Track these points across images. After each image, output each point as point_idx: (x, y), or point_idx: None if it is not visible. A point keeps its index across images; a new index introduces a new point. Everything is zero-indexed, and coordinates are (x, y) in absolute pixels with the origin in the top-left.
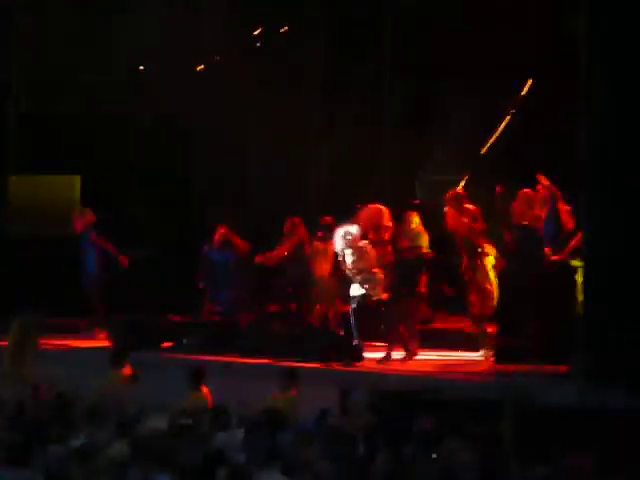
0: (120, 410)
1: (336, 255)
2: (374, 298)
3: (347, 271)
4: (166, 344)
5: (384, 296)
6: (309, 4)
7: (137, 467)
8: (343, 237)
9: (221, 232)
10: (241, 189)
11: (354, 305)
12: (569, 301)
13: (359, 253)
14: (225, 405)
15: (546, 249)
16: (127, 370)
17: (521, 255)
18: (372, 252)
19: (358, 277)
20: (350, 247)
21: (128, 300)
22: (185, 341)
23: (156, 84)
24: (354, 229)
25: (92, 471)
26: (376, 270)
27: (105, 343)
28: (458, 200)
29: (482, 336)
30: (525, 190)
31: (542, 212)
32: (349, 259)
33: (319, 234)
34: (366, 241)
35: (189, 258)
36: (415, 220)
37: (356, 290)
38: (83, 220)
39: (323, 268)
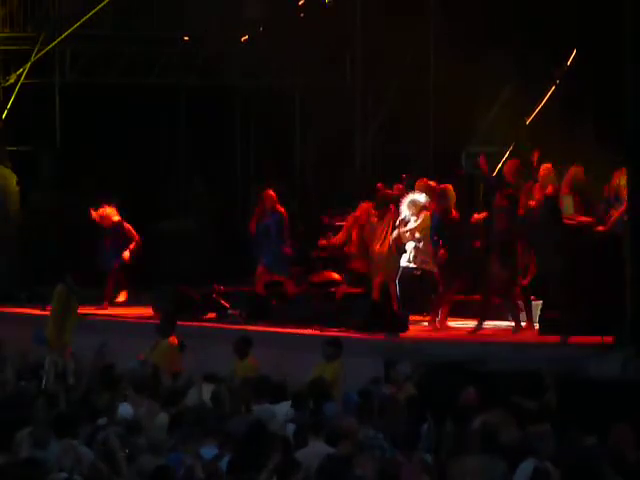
0: (168, 380)
1: (394, 227)
2: (425, 268)
3: (407, 235)
4: (211, 314)
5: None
6: None
7: (183, 438)
8: (410, 204)
9: (269, 195)
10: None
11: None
12: (615, 272)
13: (421, 221)
14: (272, 375)
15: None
16: (174, 339)
17: (563, 226)
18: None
19: (413, 243)
20: (415, 215)
21: (173, 270)
22: (230, 312)
23: (202, 56)
24: (422, 197)
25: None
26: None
27: (148, 313)
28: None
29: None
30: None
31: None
32: (412, 225)
33: (373, 211)
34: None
35: (232, 230)
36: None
37: (404, 261)
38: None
39: (382, 243)
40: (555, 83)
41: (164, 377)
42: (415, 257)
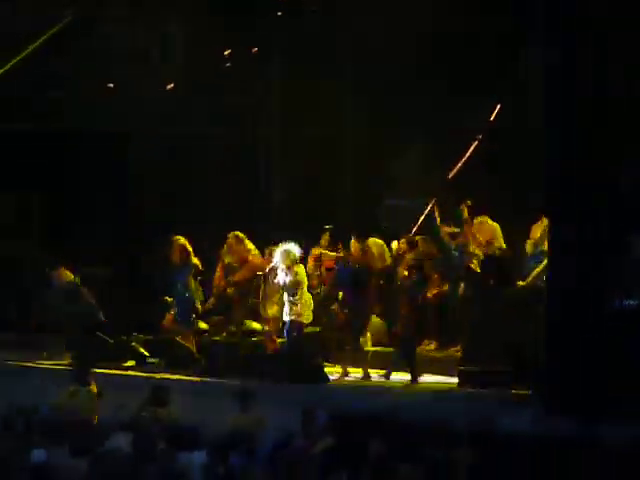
0: (83, 428)
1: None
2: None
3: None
4: (129, 362)
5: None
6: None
7: None
8: (284, 254)
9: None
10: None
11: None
12: (531, 327)
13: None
14: (187, 423)
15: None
16: (92, 387)
17: (487, 281)
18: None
19: (286, 296)
20: (286, 266)
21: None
22: (149, 359)
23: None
24: (297, 249)
25: None
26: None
27: (66, 360)
28: None
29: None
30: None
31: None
32: (284, 277)
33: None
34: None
35: (146, 276)
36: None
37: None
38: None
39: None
40: (477, 138)
41: (80, 425)
42: (291, 310)
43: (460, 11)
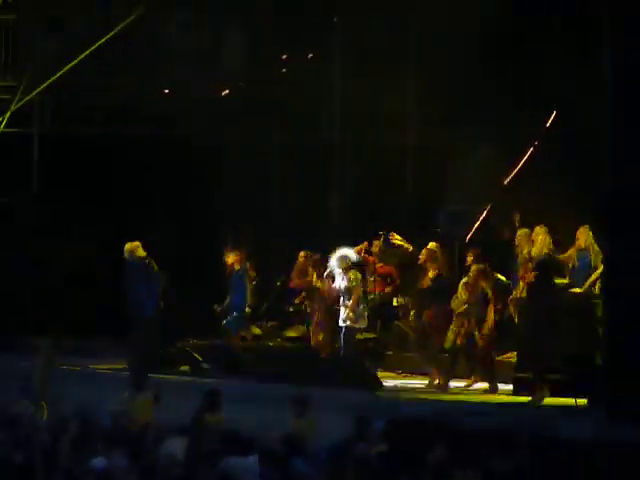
0: (140, 433)
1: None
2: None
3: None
4: (183, 367)
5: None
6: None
7: None
8: (340, 259)
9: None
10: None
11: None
12: (589, 334)
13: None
14: (241, 429)
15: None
16: (149, 392)
17: (541, 287)
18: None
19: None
20: (343, 271)
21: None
22: (204, 365)
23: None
24: (353, 255)
25: None
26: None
27: (121, 365)
28: None
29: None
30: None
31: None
32: (341, 282)
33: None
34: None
35: (205, 284)
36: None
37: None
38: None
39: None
40: (534, 145)
41: (138, 430)
42: (347, 316)
43: (525, 12)
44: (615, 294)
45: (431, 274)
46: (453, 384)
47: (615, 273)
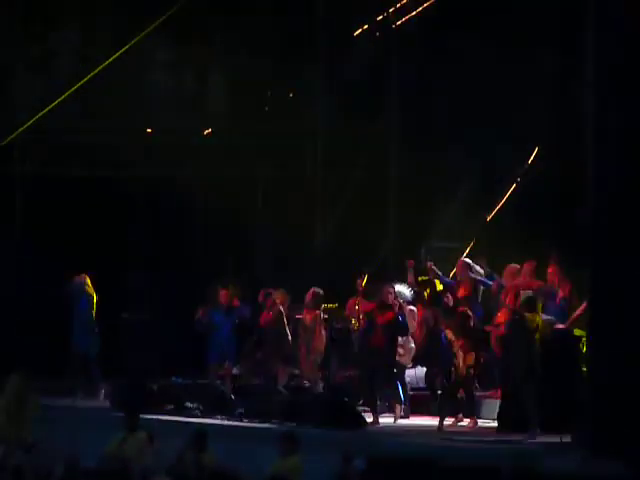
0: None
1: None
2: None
3: None
4: (168, 407)
5: None
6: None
7: None
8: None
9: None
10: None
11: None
12: (572, 370)
13: None
14: (227, 468)
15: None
16: (143, 432)
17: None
18: None
19: None
20: None
21: (128, 364)
22: (189, 404)
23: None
24: (407, 292)
25: None
26: None
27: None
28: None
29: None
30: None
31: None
32: None
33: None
34: None
35: (188, 322)
36: None
37: None
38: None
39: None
40: (516, 180)
41: (133, 470)
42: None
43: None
44: (598, 330)
45: None
46: (432, 422)
47: (598, 310)
